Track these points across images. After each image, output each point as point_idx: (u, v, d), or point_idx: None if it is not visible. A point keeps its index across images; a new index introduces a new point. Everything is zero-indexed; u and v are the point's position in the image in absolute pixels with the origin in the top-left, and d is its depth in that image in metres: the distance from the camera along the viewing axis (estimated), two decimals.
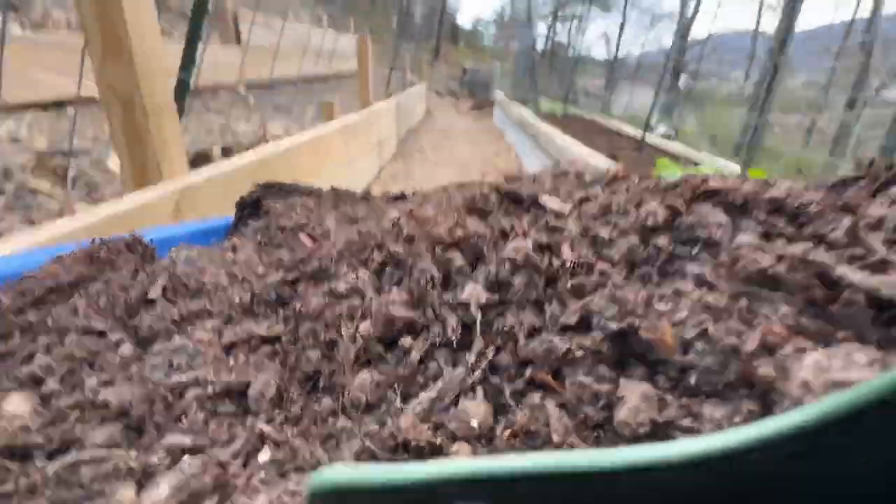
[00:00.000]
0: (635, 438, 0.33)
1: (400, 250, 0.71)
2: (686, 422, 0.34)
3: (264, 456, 0.39)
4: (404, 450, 0.33)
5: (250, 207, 1.69)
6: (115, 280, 0.84)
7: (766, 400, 0.37)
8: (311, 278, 0.81)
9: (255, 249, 1.20)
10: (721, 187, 0.67)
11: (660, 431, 0.33)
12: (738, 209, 0.64)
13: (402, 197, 2.14)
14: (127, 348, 0.62)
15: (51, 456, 0.43)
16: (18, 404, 0.50)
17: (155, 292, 0.79)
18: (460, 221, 0.61)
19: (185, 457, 0.35)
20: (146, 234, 1.10)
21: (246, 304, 0.79)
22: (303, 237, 1.23)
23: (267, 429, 0.43)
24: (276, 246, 1.25)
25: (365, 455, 0.35)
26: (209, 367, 0.55)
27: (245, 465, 0.39)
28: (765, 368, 0.38)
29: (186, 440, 0.39)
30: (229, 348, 0.62)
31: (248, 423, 0.47)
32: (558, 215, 0.64)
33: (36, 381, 0.57)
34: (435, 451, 0.33)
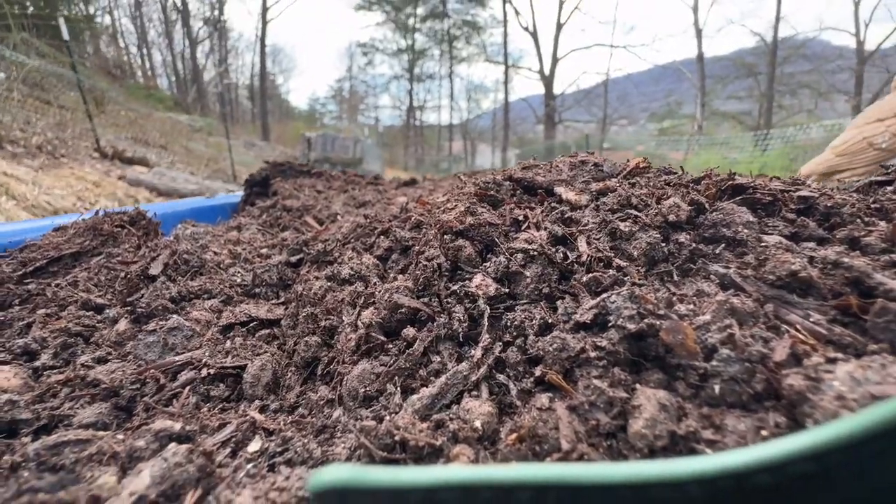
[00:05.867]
0: (651, 452, 0.30)
1: (407, 236, 0.68)
2: (708, 434, 0.31)
3: (255, 446, 0.37)
4: (402, 449, 0.31)
5: (259, 186, 1.68)
6: (117, 254, 0.82)
7: (795, 412, 0.34)
8: (315, 261, 0.79)
9: (261, 229, 1.18)
10: (748, 184, 0.63)
11: (679, 444, 0.30)
12: (766, 208, 0.61)
13: (412, 183, 2.10)
14: (123, 324, 0.60)
15: (37, 433, 0.42)
16: (9, 378, 0.48)
17: (156, 269, 0.78)
18: (470, 209, 0.58)
19: (172, 444, 0.34)
20: (150, 208, 1.08)
21: (247, 285, 0.77)
22: (309, 219, 1.21)
23: (259, 417, 0.41)
24: (281, 227, 1.23)
25: (360, 452, 0.32)
26: (205, 348, 0.53)
27: (234, 454, 0.37)
28: (794, 379, 0.35)
29: (176, 426, 0.37)
30: (227, 330, 0.60)
31: (240, 409, 0.45)
32: (574, 207, 0.61)
33: (30, 354, 0.55)
34: (434, 454, 0.30)
